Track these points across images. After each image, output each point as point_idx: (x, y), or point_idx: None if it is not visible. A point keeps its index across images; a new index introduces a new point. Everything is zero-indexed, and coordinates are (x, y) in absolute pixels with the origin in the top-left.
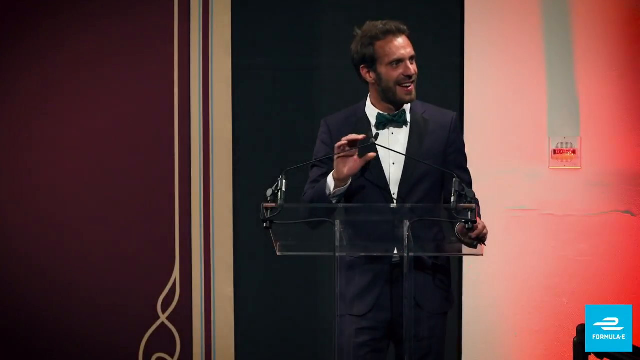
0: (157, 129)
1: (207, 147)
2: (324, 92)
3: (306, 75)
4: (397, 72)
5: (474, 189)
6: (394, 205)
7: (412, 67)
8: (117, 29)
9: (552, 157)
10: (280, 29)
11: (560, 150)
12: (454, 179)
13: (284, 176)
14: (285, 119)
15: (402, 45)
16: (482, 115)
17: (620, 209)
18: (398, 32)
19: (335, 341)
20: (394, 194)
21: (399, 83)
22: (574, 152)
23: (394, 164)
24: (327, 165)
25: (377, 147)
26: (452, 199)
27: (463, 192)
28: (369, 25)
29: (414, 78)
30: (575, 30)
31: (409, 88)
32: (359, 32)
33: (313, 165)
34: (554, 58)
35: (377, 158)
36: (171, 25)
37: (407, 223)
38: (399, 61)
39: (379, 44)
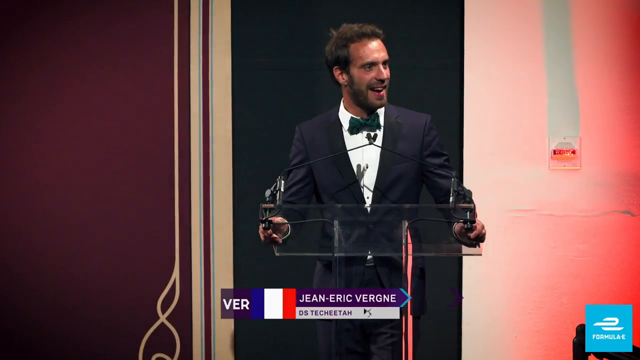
0: (157, 129)
1: (207, 147)
2: (324, 92)
3: (306, 75)
4: (369, 76)
5: (473, 189)
6: (368, 205)
7: (385, 72)
8: (117, 28)
9: (551, 158)
10: (280, 29)
11: (560, 151)
12: (453, 179)
13: (282, 177)
14: (285, 119)
15: (376, 49)
16: (481, 115)
17: (620, 209)
18: (373, 36)
19: (333, 344)
20: (367, 197)
21: (371, 87)
22: (573, 152)
23: (367, 167)
24: (304, 167)
25: (350, 150)
26: (451, 199)
27: (461, 192)
28: (344, 27)
29: (386, 82)
30: (575, 30)
31: (381, 92)
32: (334, 33)
33: (291, 170)
34: (553, 58)
35: (349, 161)
36: (171, 25)
37: (405, 223)
38: (372, 64)
39: (353, 46)
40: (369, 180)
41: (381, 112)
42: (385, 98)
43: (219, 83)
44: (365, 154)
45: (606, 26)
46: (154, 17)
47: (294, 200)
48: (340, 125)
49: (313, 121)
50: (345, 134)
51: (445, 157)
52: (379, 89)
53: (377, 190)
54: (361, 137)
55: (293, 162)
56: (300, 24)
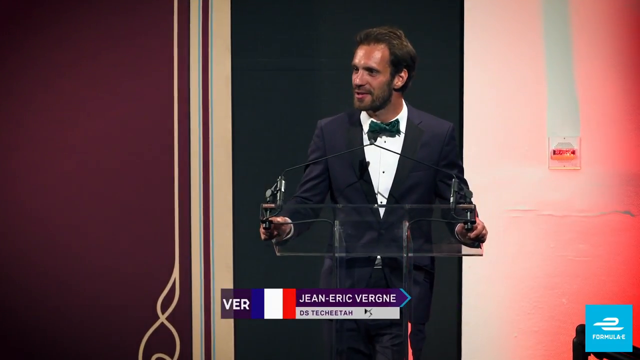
0: (156, 129)
1: (207, 147)
2: (323, 93)
3: (306, 75)
4: (353, 78)
5: (472, 189)
6: (376, 206)
7: (361, 78)
8: (117, 28)
9: (551, 158)
10: (280, 29)
11: (559, 151)
12: (453, 180)
13: (283, 177)
14: (284, 119)
15: (361, 54)
16: (481, 115)
17: (620, 209)
18: (370, 42)
19: (333, 343)
20: (381, 202)
21: (354, 89)
22: (573, 152)
23: (383, 172)
24: (322, 164)
25: (366, 154)
26: (451, 199)
27: (462, 193)
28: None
29: (364, 89)
30: (575, 30)
31: (359, 96)
32: None
33: (309, 164)
34: (553, 58)
35: (366, 165)
36: (171, 25)
37: (405, 224)
38: (355, 68)
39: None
40: (384, 186)
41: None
42: (365, 102)
43: (219, 83)
44: (382, 159)
45: (606, 26)
46: (154, 17)
47: (308, 197)
48: (361, 128)
49: (335, 119)
50: (365, 136)
51: (458, 169)
52: (357, 92)
53: (392, 197)
54: (380, 142)
55: (310, 158)
56: (300, 24)
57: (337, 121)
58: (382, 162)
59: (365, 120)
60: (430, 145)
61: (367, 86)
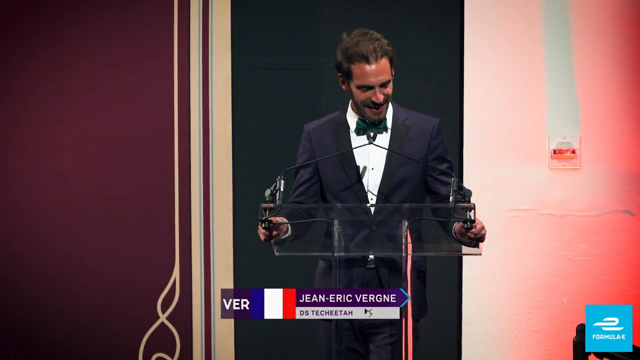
0: (157, 128)
1: (207, 147)
2: (323, 93)
3: (306, 75)
4: (365, 95)
5: (473, 189)
6: (370, 205)
7: (381, 95)
8: (117, 28)
9: (551, 157)
10: (280, 29)
11: (560, 150)
12: (453, 179)
13: (282, 176)
14: (284, 119)
15: (373, 73)
16: (481, 115)
17: (620, 208)
18: (374, 58)
19: (333, 343)
20: (371, 199)
21: (366, 105)
22: (573, 152)
23: (372, 169)
24: (311, 167)
25: (355, 152)
26: (451, 198)
27: (461, 192)
28: (352, 41)
29: (383, 101)
30: (575, 30)
31: (377, 110)
32: (346, 38)
33: (299, 169)
34: (553, 58)
35: (354, 162)
36: (171, 25)
37: (405, 223)
38: (366, 88)
39: (353, 65)
40: (373, 183)
41: (389, 114)
42: (382, 113)
43: (219, 83)
44: (371, 156)
45: (606, 26)
46: (154, 16)
47: (302, 200)
48: (347, 127)
49: (321, 121)
50: (352, 135)
51: (448, 164)
52: (374, 108)
53: (381, 194)
54: (367, 139)
55: (299, 161)
56: (300, 24)
57: (323, 122)
58: (371, 159)
59: (352, 119)
60: (417, 140)
61: (384, 98)
